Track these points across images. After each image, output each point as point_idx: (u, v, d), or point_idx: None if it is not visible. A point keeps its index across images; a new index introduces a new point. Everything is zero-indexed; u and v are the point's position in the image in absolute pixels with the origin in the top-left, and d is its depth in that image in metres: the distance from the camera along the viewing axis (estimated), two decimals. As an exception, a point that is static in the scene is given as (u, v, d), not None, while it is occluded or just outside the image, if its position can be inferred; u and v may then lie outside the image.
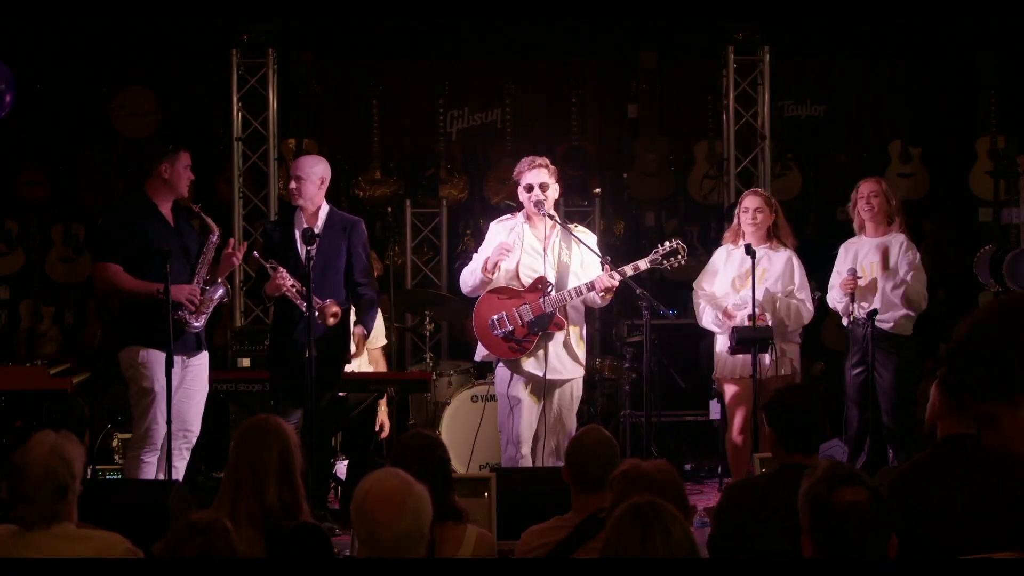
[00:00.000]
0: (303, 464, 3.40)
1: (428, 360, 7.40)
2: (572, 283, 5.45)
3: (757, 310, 5.76)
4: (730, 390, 6.02)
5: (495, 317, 5.44)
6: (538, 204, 5.46)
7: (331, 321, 5.33)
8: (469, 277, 5.57)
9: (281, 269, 5.40)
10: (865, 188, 6.04)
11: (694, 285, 6.18)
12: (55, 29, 8.31)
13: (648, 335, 5.73)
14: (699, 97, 8.82)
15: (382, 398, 6.24)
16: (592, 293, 5.40)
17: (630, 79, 9.17)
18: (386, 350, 6.92)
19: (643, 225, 9.06)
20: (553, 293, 5.41)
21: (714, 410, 7.03)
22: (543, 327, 5.41)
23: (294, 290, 5.38)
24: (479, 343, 5.58)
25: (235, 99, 7.86)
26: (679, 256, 5.43)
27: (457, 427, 6.67)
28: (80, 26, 8.21)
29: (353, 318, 5.58)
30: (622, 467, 3.10)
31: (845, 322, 6.12)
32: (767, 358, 5.83)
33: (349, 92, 9.03)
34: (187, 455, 5.47)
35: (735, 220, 6.15)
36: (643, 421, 6.06)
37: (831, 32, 8.56)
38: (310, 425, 5.24)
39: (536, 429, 5.48)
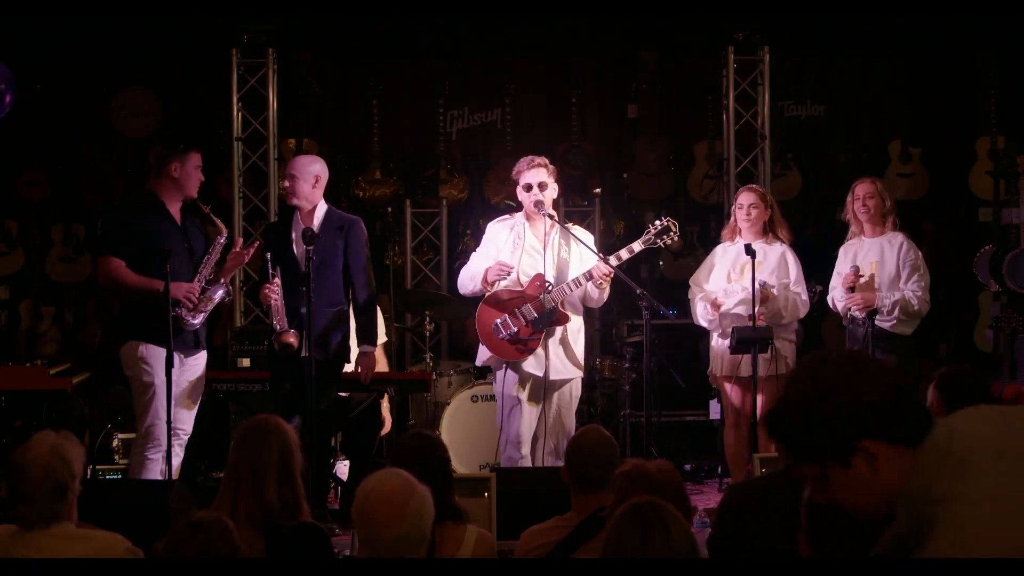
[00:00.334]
0: (303, 464, 3.40)
1: (428, 360, 7.41)
2: (570, 279, 5.46)
3: (749, 300, 5.78)
4: (726, 388, 6.05)
5: (498, 321, 5.44)
6: (538, 204, 5.47)
7: (276, 346, 5.41)
8: (468, 283, 5.59)
9: (276, 280, 5.43)
10: (860, 190, 6.04)
11: (690, 281, 6.23)
12: (55, 29, 8.31)
13: (648, 335, 5.74)
14: (699, 97, 8.81)
15: (382, 398, 6.25)
16: (590, 284, 5.41)
17: (630, 79, 9.17)
18: (386, 349, 6.91)
19: (643, 225, 9.04)
20: (553, 289, 5.42)
21: (714, 410, 7.04)
22: (547, 323, 5.43)
23: (277, 303, 5.42)
24: (482, 347, 5.58)
25: (235, 99, 7.86)
26: (671, 233, 5.47)
27: (457, 427, 6.68)
28: (80, 26, 8.21)
29: (353, 327, 5.61)
30: (624, 467, 3.11)
31: (845, 322, 6.12)
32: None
33: (349, 92, 9.03)
34: (181, 453, 5.49)
35: (732, 217, 6.20)
36: (643, 421, 6.06)
37: (831, 32, 8.55)
38: (310, 425, 5.25)
39: (535, 429, 5.48)
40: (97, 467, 6.59)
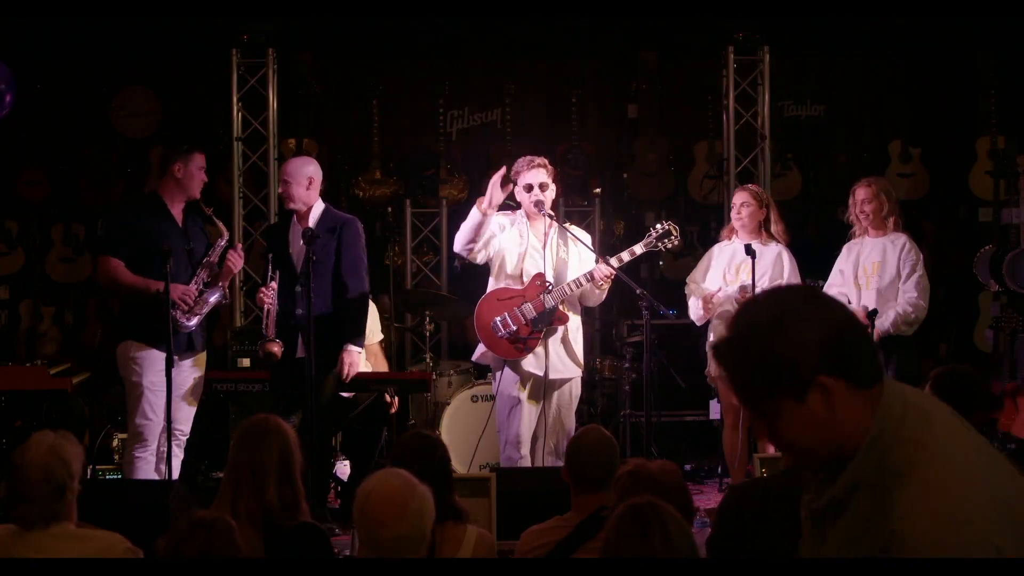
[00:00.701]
0: (303, 464, 3.40)
1: (428, 360, 7.40)
2: (570, 279, 5.46)
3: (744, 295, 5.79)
4: (724, 387, 6.05)
5: (498, 319, 5.44)
6: (538, 204, 5.47)
7: (261, 353, 5.45)
8: (464, 229, 5.44)
9: (272, 284, 5.44)
10: (858, 195, 6.03)
11: (687, 279, 6.25)
12: (55, 29, 8.31)
13: (648, 335, 5.73)
14: (699, 97, 8.82)
15: (383, 398, 6.24)
16: (590, 285, 5.41)
17: (630, 79, 9.17)
18: (384, 347, 6.91)
19: (643, 225, 9.05)
20: (553, 289, 5.42)
21: (714, 410, 7.04)
22: (547, 323, 5.43)
23: (269, 308, 5.44)
24: (481, 345, 5.58)
25: (235, 99, 7.87)
26: (672, 237, 5.49)
27: (457, 427, 6.67)
28: (80, 26, 8.21)
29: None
30: (626, 467, 3.10)
31: None
32: None
33: (349, 92, 9.03)
34: (180, 453, 5.51)
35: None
36: (643, 421, 6.06)
37: (831, 32, 8.56)
38: (310, 425, 5.25)
39: (535, 429, 5.48)
40: (97, 467, 6.60)
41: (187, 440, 5.57)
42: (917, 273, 5.91)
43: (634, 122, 9.19)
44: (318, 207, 5.58)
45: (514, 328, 5.42)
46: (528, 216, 5.56)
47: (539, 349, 5.45)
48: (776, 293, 1.91)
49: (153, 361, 5.29)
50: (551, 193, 5.55)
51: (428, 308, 7.32)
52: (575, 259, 5.56)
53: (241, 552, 2.75)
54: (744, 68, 7.96)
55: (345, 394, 5.81)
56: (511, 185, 5.47)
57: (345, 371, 5.49)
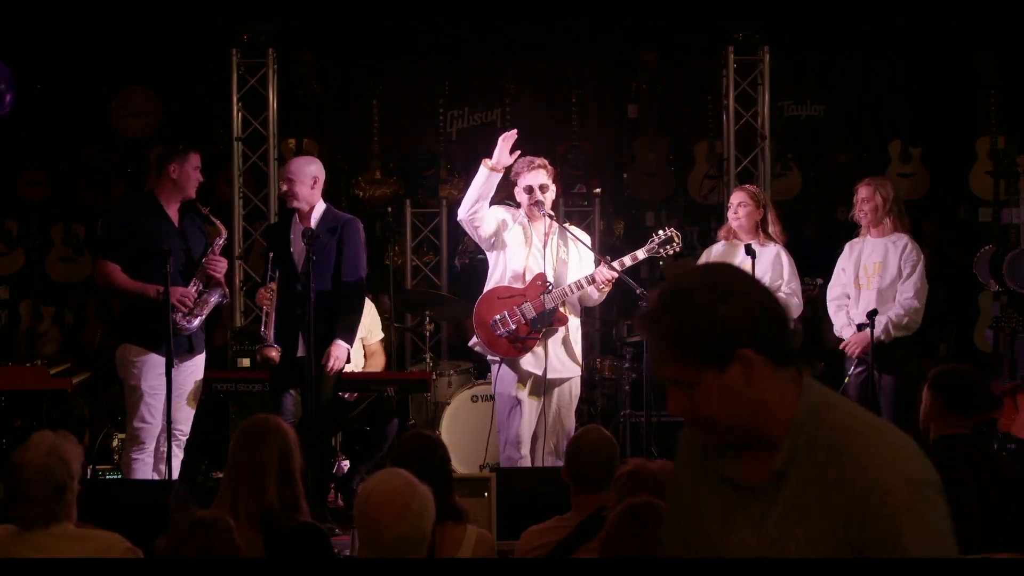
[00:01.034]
0: (303, 464, 3.40)
1: (428, 360, 7.40)
2: (571, 280, 5.46)
3: None
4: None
5: (497, 317, 5.44)
6: (538, 204, 5.47)
7: (259, 358, 5.46)
8: (470, 190, 5.39)
9: (272, 285, 5.44)
10: (859, 194, 6.03)
11: None
12: (55, 29, 8.31)
13: (648, 335, 5.72)
14: (699, 97, 8.82)
15: (383, 398, 6.24)
16: (591, 287, 5.41)
17: (630, 79, 9.18)
18: (384, 346, 6.91)
19: (643, 225, 9.07)
20: (554, 290, 5.42)
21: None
22: (546, 324, 5.43)
23: (268, 310, 5.45)
24: (479, 339, 5.58)
25: (235, 99, 7.87)
26: (674, 243, 5.49)
27: (457, 427, 6.67)
28: (80, 26, 8.22)
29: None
30: (627, 467, 3.10)
31: (837, 332, 6.08)
32: None
33: (349, 92, 9.04)
34: (180, 453, 5.51)
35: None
36: (643, 421, 6.06)
37: (831, 32, 8.56)
38: (310, 425, 5.25)
39: (535, 429, 5.48)
40: (97, 467, 6.60)
41: (187, 440, 5.57)
42: (916, 274, 5.91)
43: (634, 122, 9.19)
44: (320, 207, 5.58)
45: (513, 327, 5.42)
46: (528, 216, 5.56)
47: (538, 349, 5.44)
48: (705, 268, 2.01)
49: (152, 365, 5.28)
50: (551, 194, 5.54)
51: (428, 308, 7.32)
52: (575, 260, 5.56)
53: (241, 552, 2.76)
54: (744, 68, 7.96)
55: (345, 395, 5.80)
56: (519, 152, 5.42)
57: (330, 364, 5.41)
